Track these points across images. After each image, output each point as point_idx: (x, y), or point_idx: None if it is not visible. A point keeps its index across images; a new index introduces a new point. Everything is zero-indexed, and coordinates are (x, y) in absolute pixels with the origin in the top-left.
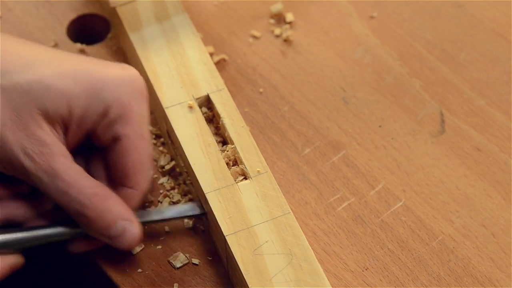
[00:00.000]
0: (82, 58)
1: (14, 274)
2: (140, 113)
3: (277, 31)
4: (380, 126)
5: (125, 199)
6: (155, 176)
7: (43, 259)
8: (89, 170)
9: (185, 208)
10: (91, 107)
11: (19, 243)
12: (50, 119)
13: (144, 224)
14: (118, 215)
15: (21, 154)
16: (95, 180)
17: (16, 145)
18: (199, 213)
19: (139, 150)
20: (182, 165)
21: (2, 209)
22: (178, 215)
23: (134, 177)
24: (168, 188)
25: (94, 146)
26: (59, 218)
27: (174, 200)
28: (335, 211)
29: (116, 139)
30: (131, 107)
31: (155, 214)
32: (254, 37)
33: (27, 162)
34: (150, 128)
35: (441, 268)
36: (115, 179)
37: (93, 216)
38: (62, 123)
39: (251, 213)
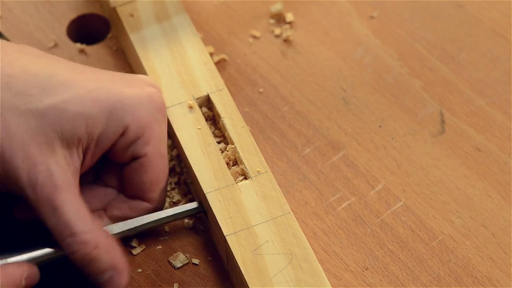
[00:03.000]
0: (101, 75)
1: None
2: (159, 132)
3: (277, 31)
4: (380, 126)
5: (137, 211)
6: None
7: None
8: (102, 178)
9: (184, 207)
10: (110, 128)
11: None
12: (67, 142)
13: (144, 227)
14: (106, 266)
15: (26, 182)
16: (92, 222)
17: (23, 172)
18: (198, 210)
19: (156, 168)
20: (182, 165)
21: None
22: (178, 213)
23: (150, 193)
24: (168, 188)
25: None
26: None
27: (174, 200)
28: (335, 211)
29: (134, 158)
30: (151, 127)
31: (154, 216)
32: (254, 37)
33: (29, 192)
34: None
35: (441, 268)
36: (130, 191)
37: (80, 263)
38: (81, 145)
39: (251, 213)
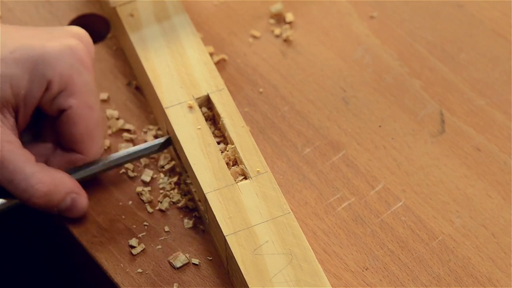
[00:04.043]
0: (25, 32)
1: (14, 274)
2: (83, 83)
3: (277, 31)
4: (380, 126)
5: (73, 163)
6: (155, 176)
7: (43, 259)
8: (41, 133)
9: (149, 143)
10: (34, 85)
11: None
12: None
13: (114, 165)
14: (66, 192)
15: None
16: (39, 164)
17: None
18: (163, 141)
19: (85, 119)
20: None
21: None
22: (144, 148)
23: (82, 145)
24: (168, 188)
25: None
26: None
27: (174, 200)
28: (335, 211)
29: (61, 111)
30: (73, 79)
31: (120, 153)
32: (254, 37)
33: None
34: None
35: (441, 268)
36: (65, 144)
37: (41, 202)
38: (10, 106)
39: (251, 213)
